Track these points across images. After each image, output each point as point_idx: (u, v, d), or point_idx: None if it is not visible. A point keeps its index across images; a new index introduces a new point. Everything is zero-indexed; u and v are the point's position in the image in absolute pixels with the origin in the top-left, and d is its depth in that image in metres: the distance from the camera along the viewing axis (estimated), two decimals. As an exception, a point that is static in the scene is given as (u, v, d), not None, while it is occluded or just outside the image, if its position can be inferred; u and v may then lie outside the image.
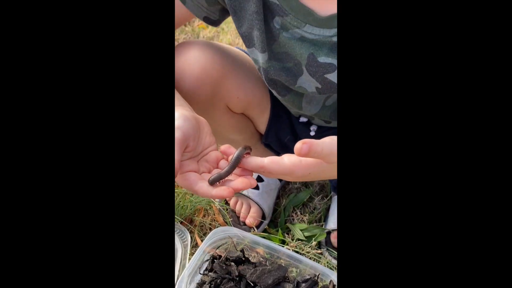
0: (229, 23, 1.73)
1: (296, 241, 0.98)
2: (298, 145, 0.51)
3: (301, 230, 1.00)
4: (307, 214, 1.06)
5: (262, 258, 0.80)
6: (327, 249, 0.97)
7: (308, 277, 0.76)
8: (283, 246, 0.87)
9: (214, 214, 1.04)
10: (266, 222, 1.04)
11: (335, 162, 0.56)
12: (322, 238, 0.99)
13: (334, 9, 0.67)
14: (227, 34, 1.75)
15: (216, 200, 1.05)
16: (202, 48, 0.78)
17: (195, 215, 1.02)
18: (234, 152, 0.59)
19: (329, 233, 0.99)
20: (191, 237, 0.84)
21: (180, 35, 1.71)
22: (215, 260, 0.77)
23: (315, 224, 1.04)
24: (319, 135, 0.92)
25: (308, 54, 0.70)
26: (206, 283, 0.74)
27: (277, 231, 1.01)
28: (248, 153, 0.59)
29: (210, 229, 1.00)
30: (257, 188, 1.05)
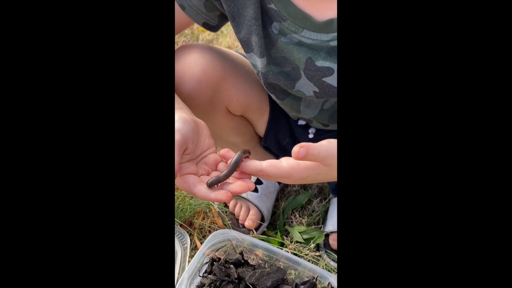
0: (228, 26, 1.73)
1: (294, 243, 0.98)
2: (296, 148, 0.52)
3: (299, 232, 1.01)
4: (306, 217, 1.07)
5: (261, 260, 0.81)
6: (326, 251, 0.98)
7: (306, 279, 0.77)
8: (281, 249, 0.88)
9: (213, 217, 1.05)
10: (265, 224, 1.05)
11: (333, 165, 0.57)
12: (320, 241, 0.99)
13: (331, 14, 0.67)
14: (226, 37, 1.75)
15: (215, 202, 1.06)
16: (202, 52, 0.79)
17: (195, 218, 1.03)
18: (233, 156, 0.60)
19: (327, 235, 1.00)
20: (190, 239, 0.84)
21: (179, 38, 1.72)
22: (214, 263, 0.78)
23: (313, 226, 1.05)
24: (318, 137, 0.93)
25: (306, 58, 0.71)
26: (206, 285, 0.75)
27: (276, 233, 1.02)
28: (247, 157, 0.60)
29: (210, 232, 1.00)
30: (256, 190, 1.05)
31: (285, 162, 0.57)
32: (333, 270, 0.95)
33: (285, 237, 1.01)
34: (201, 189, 0.57)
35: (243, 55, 0.90)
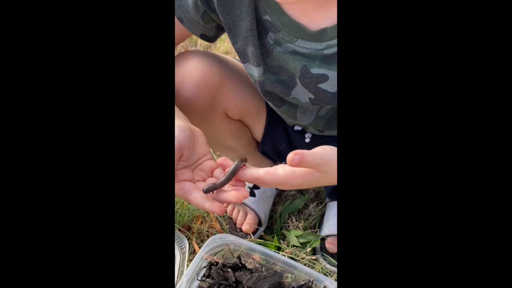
0: (226, 32, 1.74)
1: (291, 247, 1.00)
2: (290, 155, 0.53)
3: (296, 236, 1.02)
4: (302, 221, 1.08)
5: (258, 264, 0.82)
6: (322, 255, 0.99)
7: (302, 283, 0.78)
8: (278, 253, 0.89)
9: (211, 221, 1.06)
10: (262, 228, 1.06)
11: (327, 171, 0.59)
12: (316, 244, 1.01)
13: (324, 24, 0.69)
14: (224, 42, 1.77)
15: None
16: (201, 57, 0.82)
17: (193, 223, 1.04)
18: (230, 164, 0.62)
19: (323, 239, 1.01)
20: (189, 244, 0.85)
21: (178, 43, 1.72)
22: (212, 267, 0.79)
23: (310, 230, 1.06)
24: (314, 142, 0.94)
25: (301, 66, 0.73)
26: (204, 289, 0.76)
27: (273, 237, 1.03)
28: (244, 165, 0.61)
29: (208, 236, 1.01)
30: (253, 195, 1.07)
31: (281, 169, 0.59)
32: (329, 273, 0.96)
33: (282, 241, 1.02)
34: (196, 196, 0.58)
35: (240, 62, 0.92)
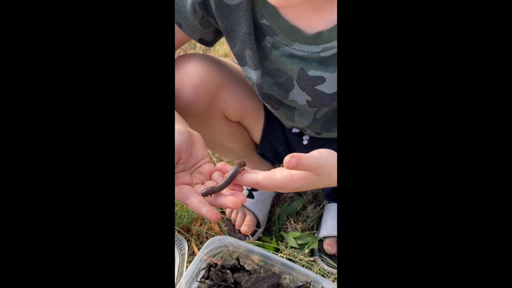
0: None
1: (289, 248, 1.00)
2: (287, 158, 0.54)
3: (294, 238, 1.03)
4: (300, 223, 1.09)
5: (257, 265, 0.83)
6: (320, 256, 1.00)
7: (300, 284, 0.78)
8: (276, 254, 0.90)
9: (210, 223, 1.06)
10: (260, 230, 1.07)
11: (324, 174, 0.59)
12: (314, 246, 1.01)
13: (320, 27, 0.70)
14: (224, 45, 1.77)
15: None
16: (200, 61, 0.83)
17: (192, 224, 1.05)
18: (229, 169, 0.62)
19: (321, 240, 1.02)
20: (188, 245, 0.86)
21: (177, 46, 1.73)
22: (211, 268, 0.79)
23: (307, 232, 1.07)
24: (312, 144, 0.95)
25: (299, 69, 0.74)
26: (203, 290, 0.77)
27: (271, 239, 1.04)
28: (243, 169, 0.62)
29: (207, 238, 1.02)
30: (252, 197, 1.08)
31: (279, 173, 0.59)
32: (327, 274, 0.97)
33: (280, 243, 1.03)
34: (194, 201, 0.59)
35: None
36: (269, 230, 1.09)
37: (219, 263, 0.80)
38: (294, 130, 0.96)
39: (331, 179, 0.61)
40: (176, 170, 0.62)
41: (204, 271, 0.79)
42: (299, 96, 0.78)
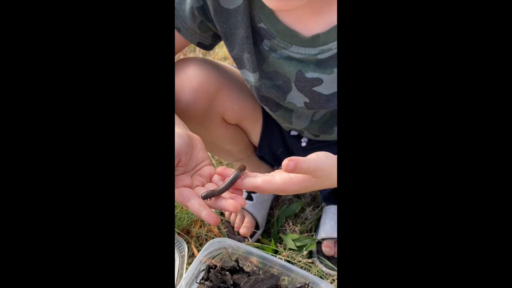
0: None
1: (288, 250, 1.01)
2: (285, 162, 0.55)
3: (293, 240, 1.03)
4: (299, 225, 1.09)
5: (256, 267, 0.83)
6: (318, 258, 1.01)
7: (299, 285, 0.79)
8: (275, 256, 0.91)
9: (209, 225, 1.07)
10: (259, 232, 1.07)
11: (322, 177, 0.60)
12: (313, 248, 1.02)
13: (317, 30, 0.71)
14: (223, 48, 1.78)
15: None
16: (199, 64, 0.84)
17: (192, 226, 1.05)
18: (229, 173, 0.63)
19: (319, 242, 1.03)
20: (188, 247, 0.86)
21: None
22: (211, 270, 0.80)
23: (306, 234, 1.07)
24: (310, 146, 0.96)
25: (297, 71, 0.75)
26: (202, 291, 0.77)
27: (270, 241, 1.04)
28: (243, 173, 0.63)
29: (206, 240, 1.03)
30: (251, 199, 1.08)
31: (278, 177, 0.60)
32: (325, 276, 0.98)
33: (278, 245, 1.03)
34: (194, 203, 0.60)
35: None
36: (268, 232, 1.10)
37: (218, 265, 0.80)
38: (293, 133, 0.97)
39: (329, 181, 0.61)
40: (176, 172, 0.62)
41: (203, 272, 0.80)
42: (297, 98, 0.79)
